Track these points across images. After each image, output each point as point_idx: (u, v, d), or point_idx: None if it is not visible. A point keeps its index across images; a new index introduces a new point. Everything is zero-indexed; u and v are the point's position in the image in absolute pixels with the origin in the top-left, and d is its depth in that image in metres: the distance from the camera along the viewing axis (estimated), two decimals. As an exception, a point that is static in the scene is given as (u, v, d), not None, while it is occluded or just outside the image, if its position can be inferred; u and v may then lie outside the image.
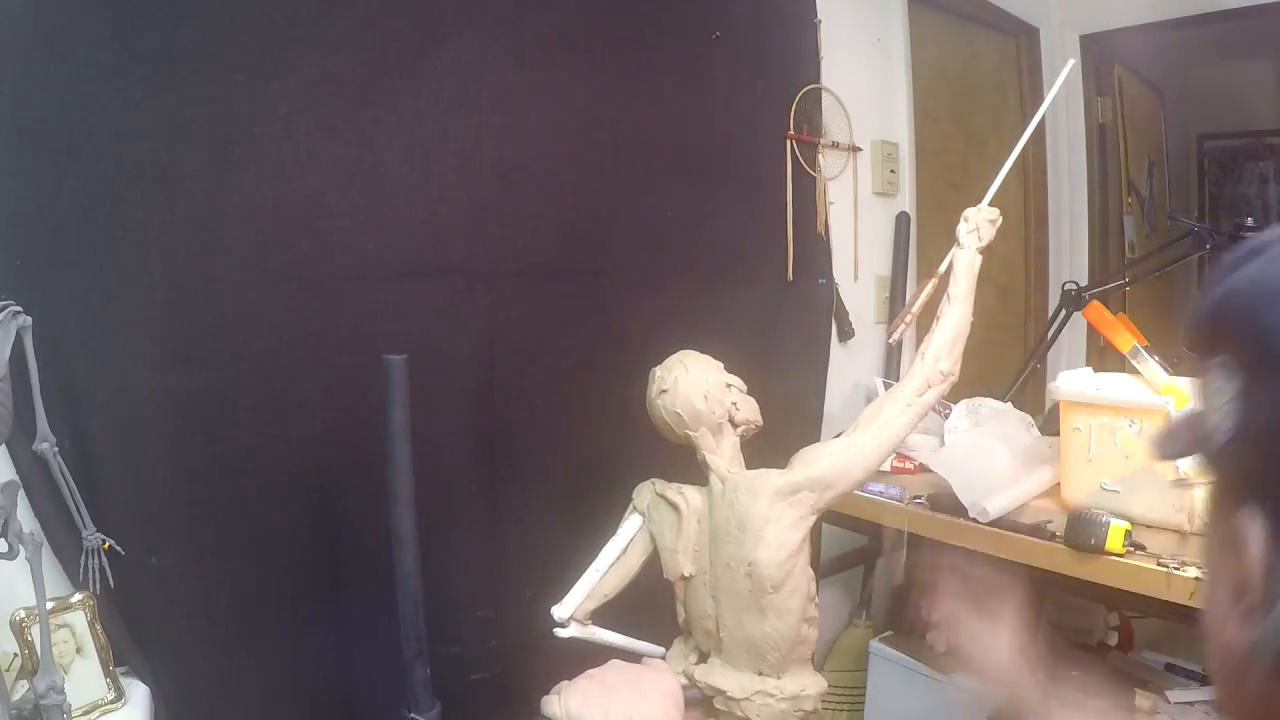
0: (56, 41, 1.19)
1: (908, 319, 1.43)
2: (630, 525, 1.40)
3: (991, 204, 1.37)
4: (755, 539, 1.26)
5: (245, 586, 1.40)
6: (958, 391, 2.13)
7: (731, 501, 1.30)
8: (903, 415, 1.31)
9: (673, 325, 1.62)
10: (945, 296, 1.34)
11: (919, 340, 1.38)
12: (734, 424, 1.37)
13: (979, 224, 1.34)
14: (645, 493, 1.41)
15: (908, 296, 1.45)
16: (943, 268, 1.37)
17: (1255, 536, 0.41)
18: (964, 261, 1.34)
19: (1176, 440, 0.49)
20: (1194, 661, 1.91)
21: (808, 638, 1.32)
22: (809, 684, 1.32)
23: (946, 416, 2.05)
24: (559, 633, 1.31)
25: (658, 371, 1.35)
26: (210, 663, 1.37)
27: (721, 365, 1.37)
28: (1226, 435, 0.43)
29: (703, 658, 1.40)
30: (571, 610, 1.31)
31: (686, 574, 1.34)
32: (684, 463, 1.40)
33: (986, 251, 1.36)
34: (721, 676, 1.31)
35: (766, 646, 1.29)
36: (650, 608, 1.39)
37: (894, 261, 2.43)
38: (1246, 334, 0.43)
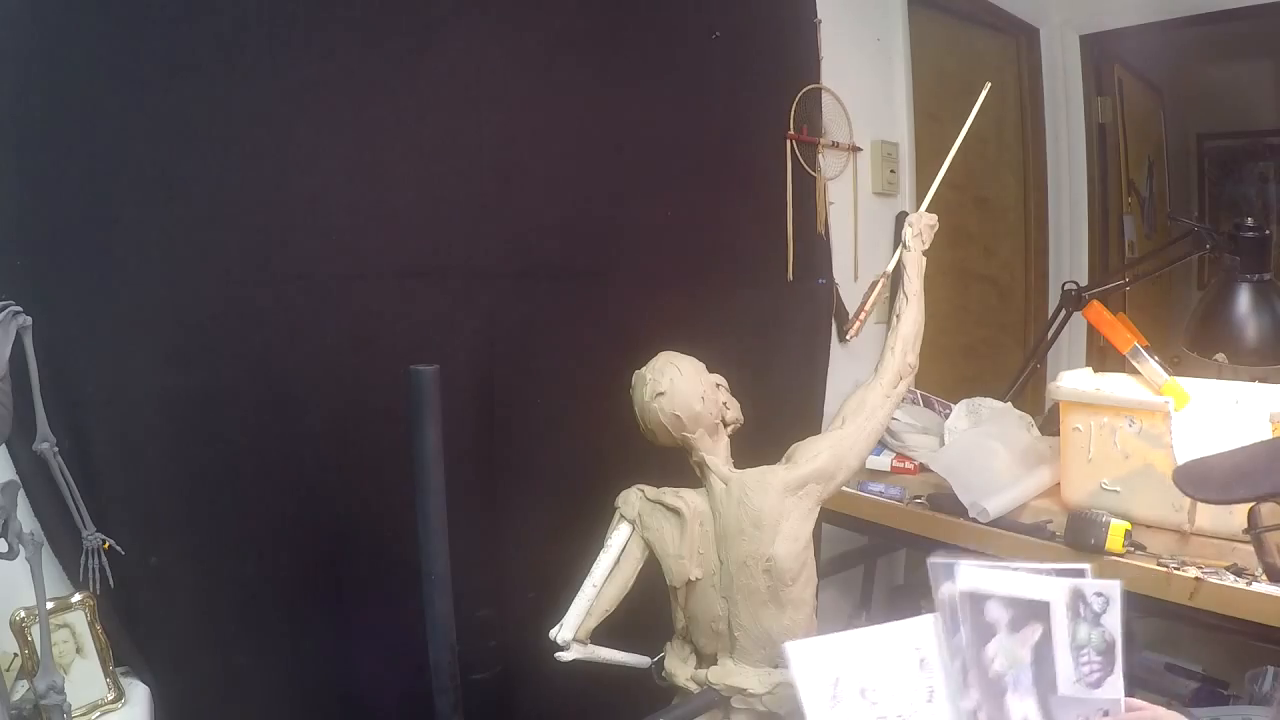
0: (56, 41, 1.19)
1: (863, 317, 1.54)
2: (620, 535, 1.38)
3: (930, 209, 1.49)
4: (772, 534, 1.30)
5: (245, 586, 1.40)
6: (958, 391, 2.14)
7: (740, 500, 1.31)
8: (884, 405, 1.40)
9: (673, 325, 1.62)
10: (902, 295, 1.44)
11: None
12: (724, 424, 1.38)
13: (921, 228, 1.46)
14: (633, 500, 1.40)
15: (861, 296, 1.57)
16: (889, 268, 1.49)
17: None
18: (914, 263, 1.45)
19: None
20: (1194, 662, 1.91)
21: (816, 625, 1.38)
22: None
23: (946, 416, 2.05)
24: (560, 656, 1.31)
25: (648, 374, 1.34)
26: (210, 663, 1.37)
27: (703, 365, 1.38)
28: None
29: (703, 660, 1.40)
30: (573, 633, 1.31)
31: (694, 578, 1.34)
32: (672, 466, 1.40)
33: (928, 253, 1.47)
34: (739, 676, 1.33)
35: (785, 638, 1.31)
36: (639, 615, 1.39)
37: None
38: None
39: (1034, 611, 1.10)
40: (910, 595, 2.06)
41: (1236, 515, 1.38)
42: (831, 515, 1.82)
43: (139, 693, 1.26)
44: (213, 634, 1.38)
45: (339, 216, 1.43)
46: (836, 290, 2.21)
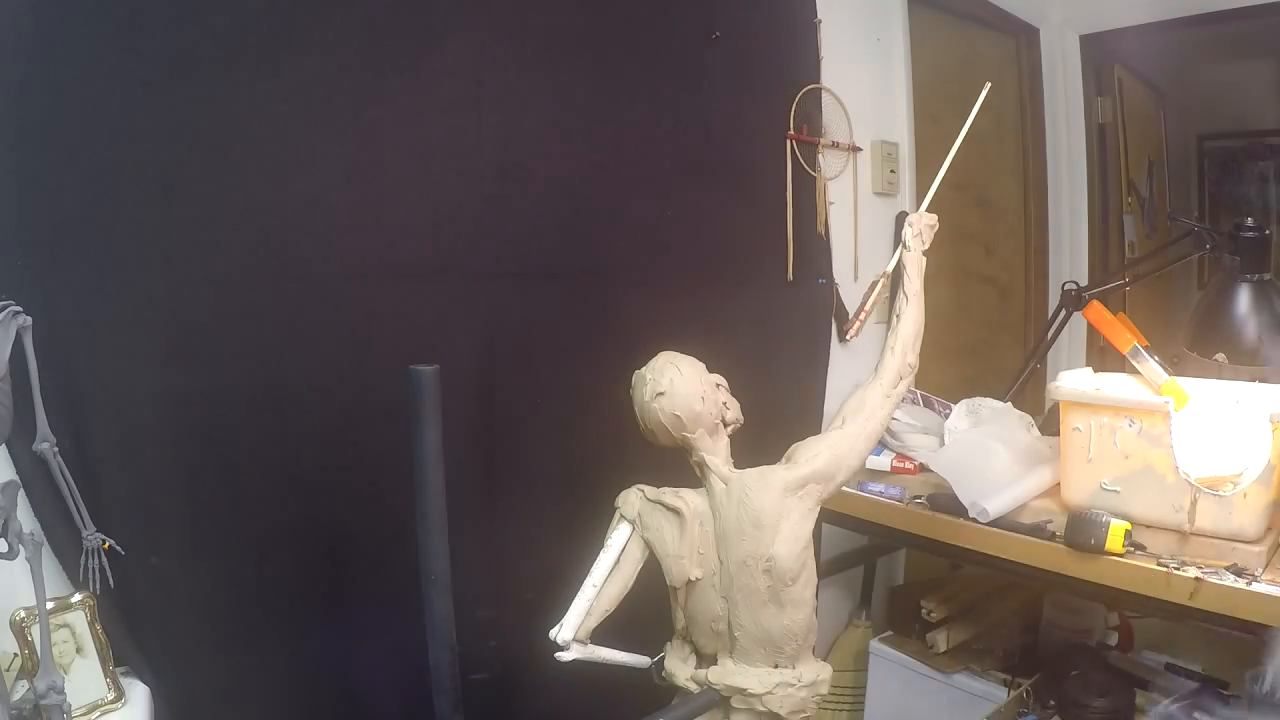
0: (56, 41, 1.19)
1: (863, 317, 1.54)
2: (620, 535, 1.38)
3: (930, 209, 1.48)
4: (772, 534, 1.30)
5: (245, 586, 1.40)
6: (958, 391, 2.14)
7: (740, 500, 1.31)
8: (884, 405, 1.40)
9: (672, 325, 1.62)
10: (902, 295, 1.44)
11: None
12: (724, 424, 1.38)
13: (921, 228, 1.45)
14: (633, 500, 1.39)
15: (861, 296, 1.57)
16: (889, 268, 1.48)
17: None
18: (914, 263, 1.44)
19: None
20: (1194, 662, 1.91)
21: (815, 625, 1.38)
22: (821, 670, 1.38)
23: (946, 416, 2.05)
24: (560, 656, 1.31)
25: (648, 374, 1.34)
26: (210, 663, 1.37)
27: (703, 365, 1.38)
28: None
29: (703, 660, 1.40)
30: (573, 633, 1.31)
31: (694, 578, 1.34)
32: (672, 466, 1.40)
33: (928, 253, 1.46)
34: (738, 675, 1.33)
35: (784, 639, 1.32)
36: (639, 615, 1.39)
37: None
38: None
39: None
40: (910, 595, 2.06)
41: (1236, 515, 1.38)
42: (831, 515, 1.82)
43: (139, 693, 1.25)
44: (213, 634, 1.38)
45: (339, 216, 1.43)
46: (836, 290, 2.21)
